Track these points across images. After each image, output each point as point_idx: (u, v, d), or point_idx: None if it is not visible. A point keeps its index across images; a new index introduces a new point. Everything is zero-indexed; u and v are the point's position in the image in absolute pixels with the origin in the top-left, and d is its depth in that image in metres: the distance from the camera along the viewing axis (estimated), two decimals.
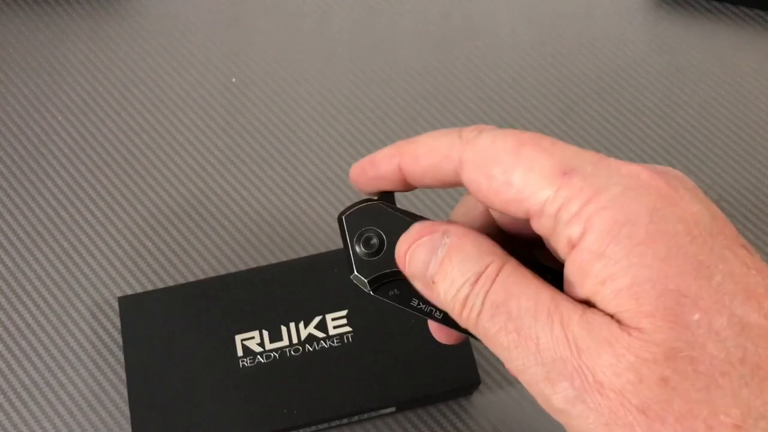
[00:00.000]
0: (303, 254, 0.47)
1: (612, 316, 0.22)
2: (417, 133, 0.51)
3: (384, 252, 0.28)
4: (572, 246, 0.23)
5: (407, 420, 0.42)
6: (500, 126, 0.51)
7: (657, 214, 0.22)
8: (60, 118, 0.52)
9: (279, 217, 0.48)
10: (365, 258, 0.28)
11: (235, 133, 0.51)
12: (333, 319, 0.42)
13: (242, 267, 0.47)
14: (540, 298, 0.24)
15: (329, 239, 0.48)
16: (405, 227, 0.28)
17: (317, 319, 0.42)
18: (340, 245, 0.47)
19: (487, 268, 0.25)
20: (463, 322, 0.26)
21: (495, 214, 0.30)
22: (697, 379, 0.21)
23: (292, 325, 0.42)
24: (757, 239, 0.47)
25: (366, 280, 0.28)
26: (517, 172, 0.24)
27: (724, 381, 0.21)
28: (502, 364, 0.44)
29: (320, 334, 0.41)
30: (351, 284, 0.43)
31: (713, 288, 0.22)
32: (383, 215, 0.29)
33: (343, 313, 0.42)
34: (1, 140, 0.51)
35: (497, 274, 0.25)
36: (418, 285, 0.27)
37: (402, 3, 0.57)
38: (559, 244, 0.24)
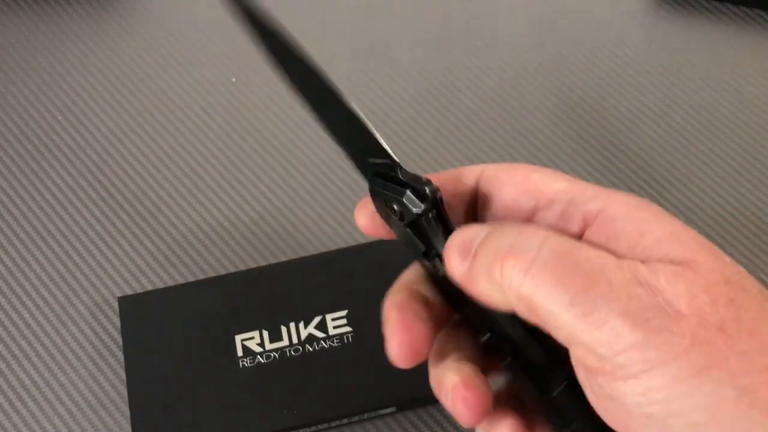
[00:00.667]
0: (303, 254, 0.47)
1: (660, 262, 0.24)
2: (417, 133, 0.52)
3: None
4: (587, 222, 0.26)
5: (407, 420, 0.42)
6: (499, 125, 0.51)
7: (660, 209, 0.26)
8: (60, 118, 0.52)
9: (279, 217, 0.48)
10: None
11: (235, 133, 0.51)
12: (333, 319, 0.42)
13: (242, 267, 0.47)
14: (600, 252, 0.25)
15: (329, 239, 0.48)
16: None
17: (317, 319, 0.42)
18: (340, 245, 0.47)
19: (530, 227, 0.26)
20: (500, 279, 0.25)
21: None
22: (752, 301, 0.24)
23: (292, 325, 0.42)
24: (757, 239, 0.47)
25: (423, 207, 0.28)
26: (537, 173, 0.29)
27: None
28: None
29: (320, 334, 0.41)
30: (351, 284, 0.43)
31: (725, 256, 0.25)
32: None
33: (343, 313, 0.42)
34: (1, 140, 0.51)
35: (546, 234, 0.25)
36: (459, 267, 0.27)
37: (402, 3, 0.57)
38: (570, 225, 0.27)
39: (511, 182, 0.29)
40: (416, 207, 0.28)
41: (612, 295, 0.23)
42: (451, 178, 0.30)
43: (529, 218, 0.28)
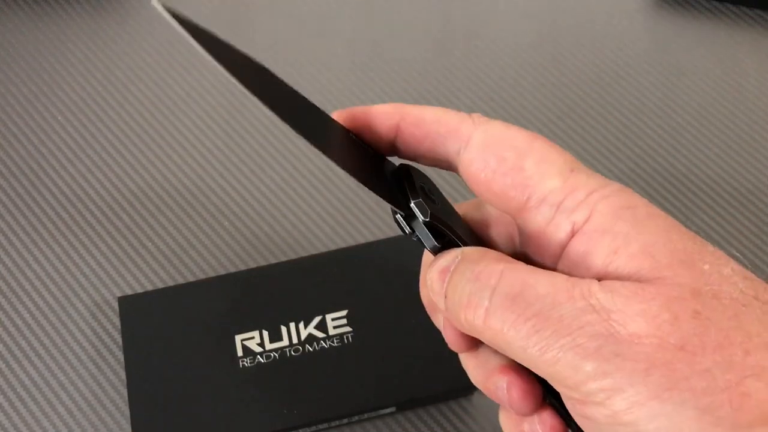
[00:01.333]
0: (303, 254, 0.47)
1: (629, 279, 0.24)
2: None
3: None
4: (574, 231, 0.25)
5: (407, 420, 0.42)
6: None
7: (649, 204, 0.26)
8: (60, 118, 0.52)
9: (279, 217, 0.48)
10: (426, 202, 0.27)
11: (235, 133, 0.51)
12: (333, 319, 0.42)
13: (242, 267, 0.47)
14: (555, 281, 0.24)
15: (329, 239, 0.48)
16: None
17: (317, 319, 0.42)
18: (340, 245, 0.47)
19: (489, 265, 0.26)
20: (468, 325, 0.26)
21: None
22: (725, 310, 0.23)
23: (292, 325, 0.42)
24: (757, 239, 0.47)
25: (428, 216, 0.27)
26: (530, 158, 0.27)
27: (748, 310, 0.23)
28: None
29: (320, 334, 0.41)
30: (351, 284, 0.43)
31: (710, 251, 0.24)
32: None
33: (343, 313, 0.42)
34: (1, 140, 0.51)
35: (502, 270, 0.25)
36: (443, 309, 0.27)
37: (402, 3, 0.57)
38: (557, 233, 0.26)
39: (500, 171, 0.27)
40: (406, 229, 0.28)
41: (563, 330, 0.23)
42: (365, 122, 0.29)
43: (518, 212, 0.27)
